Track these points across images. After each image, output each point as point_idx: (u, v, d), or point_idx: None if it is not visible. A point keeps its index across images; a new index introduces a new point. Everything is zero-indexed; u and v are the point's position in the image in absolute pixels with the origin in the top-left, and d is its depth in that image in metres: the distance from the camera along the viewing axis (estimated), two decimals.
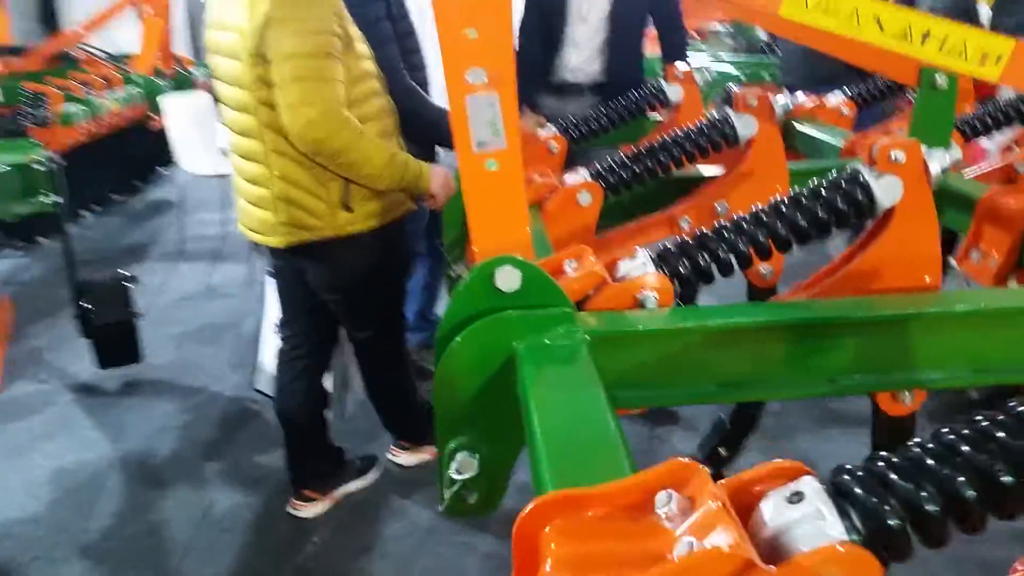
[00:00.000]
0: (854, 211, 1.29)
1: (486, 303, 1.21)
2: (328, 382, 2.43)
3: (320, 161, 1.99)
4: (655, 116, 2.72)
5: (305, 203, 2.06)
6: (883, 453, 0.68)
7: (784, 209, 1.32)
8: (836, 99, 2.87)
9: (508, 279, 1.19)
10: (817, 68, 3.69)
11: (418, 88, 2.59)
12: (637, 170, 1.93)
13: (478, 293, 1.20)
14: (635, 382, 1.20)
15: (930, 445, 0.68)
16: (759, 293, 2.06)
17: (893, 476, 0.65)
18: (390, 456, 2.69)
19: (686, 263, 1.31)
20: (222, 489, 2.69)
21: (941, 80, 2.06)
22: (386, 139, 2.09)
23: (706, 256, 1.32)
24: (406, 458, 2.68)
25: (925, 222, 1.30)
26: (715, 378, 1.21)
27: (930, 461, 0.66)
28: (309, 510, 2.49)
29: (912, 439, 0.69)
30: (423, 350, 3.32)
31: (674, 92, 2.56)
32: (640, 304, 1.24)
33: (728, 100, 2.03)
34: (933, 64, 1.54)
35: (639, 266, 1.29)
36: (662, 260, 1.32)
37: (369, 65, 2.13)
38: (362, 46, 2.10)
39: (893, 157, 1.27)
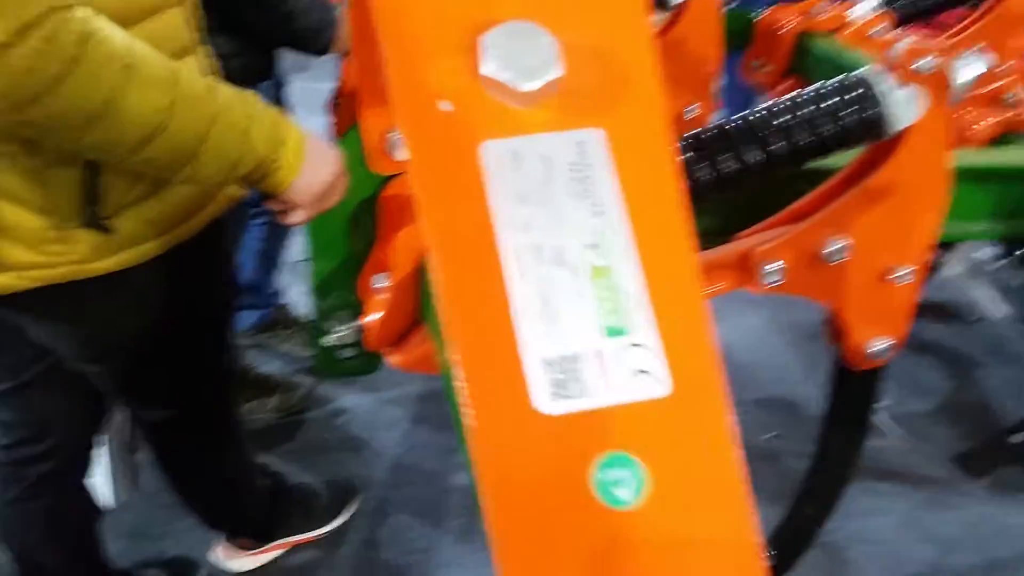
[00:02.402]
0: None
1: None
2: (99, 473, 1.42)
3: (29, 134, 0.88)
4: None
5: (3, 220, 0.94)
6: None
7: None
8: (863, 8, 1.98)
9: None
10: None
11: None
12: (723, 168, 0.97)
13: None
14: None
15: None
16: None
17: None
18: (220, 559, 1.68)
19: None
20: None
21: None
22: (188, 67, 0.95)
23: None
24: (243, 562, 1.67)
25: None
26: None
27: None
28: None
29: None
30: (256, 333, 2.32)
31: None
32: None
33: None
34: None
35: None
36: None
37: None
38: None
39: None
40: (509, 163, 0.31)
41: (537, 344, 0.29)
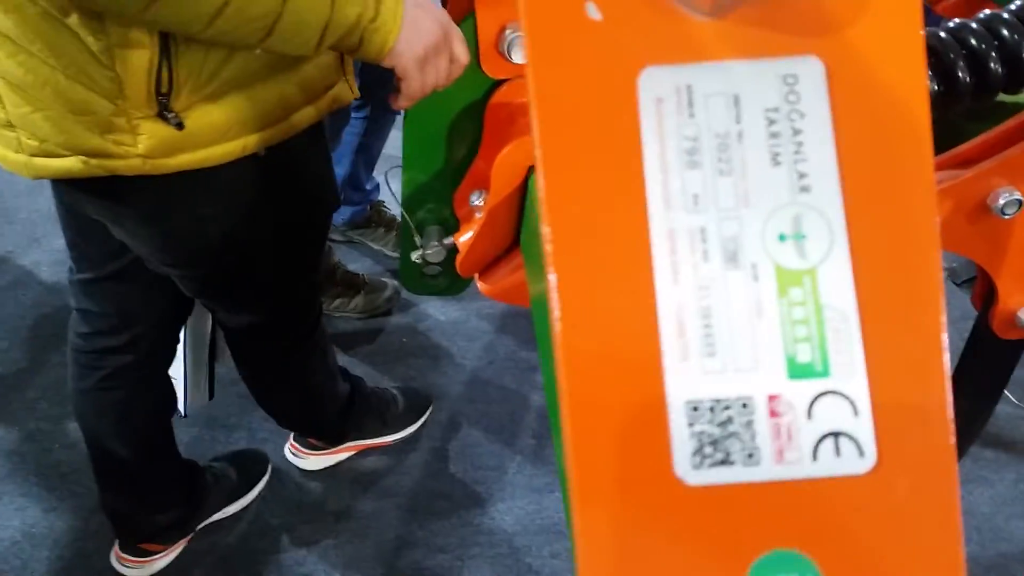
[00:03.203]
0: None
1: None
2: (176, 378, 1.39)
3: (103, 4, 0.80)
4: None
5: (71, 99, 0.88)
6: None
7: None
8: None
9: None
10: None
11: None
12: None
13: None
14: None
15: None
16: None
17: None
18: (290, 455, 1.68)
19: None
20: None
21: None
22: None
23: None
24: (312, 461, 1.66)
25: None
26: None
27: None
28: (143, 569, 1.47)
29: None
30: (348, 229, 2.28)
31: None
32: None
33: None
34: None
35: None
36: None
37: None
38: None
39: None
40: (678, 102, 0.20)
41: (682, 378, 0.19)
